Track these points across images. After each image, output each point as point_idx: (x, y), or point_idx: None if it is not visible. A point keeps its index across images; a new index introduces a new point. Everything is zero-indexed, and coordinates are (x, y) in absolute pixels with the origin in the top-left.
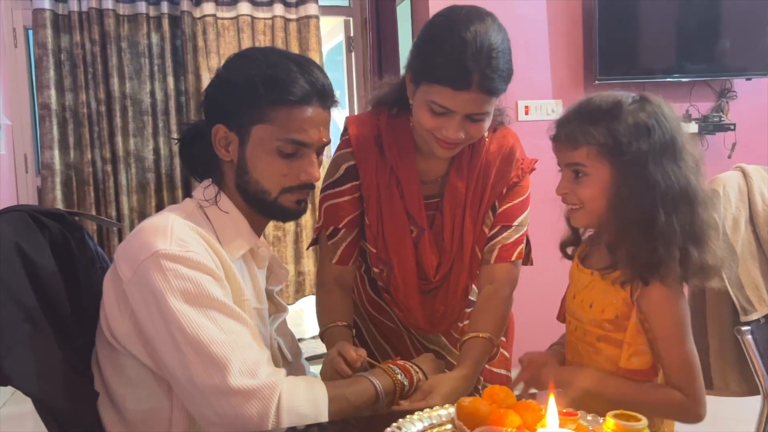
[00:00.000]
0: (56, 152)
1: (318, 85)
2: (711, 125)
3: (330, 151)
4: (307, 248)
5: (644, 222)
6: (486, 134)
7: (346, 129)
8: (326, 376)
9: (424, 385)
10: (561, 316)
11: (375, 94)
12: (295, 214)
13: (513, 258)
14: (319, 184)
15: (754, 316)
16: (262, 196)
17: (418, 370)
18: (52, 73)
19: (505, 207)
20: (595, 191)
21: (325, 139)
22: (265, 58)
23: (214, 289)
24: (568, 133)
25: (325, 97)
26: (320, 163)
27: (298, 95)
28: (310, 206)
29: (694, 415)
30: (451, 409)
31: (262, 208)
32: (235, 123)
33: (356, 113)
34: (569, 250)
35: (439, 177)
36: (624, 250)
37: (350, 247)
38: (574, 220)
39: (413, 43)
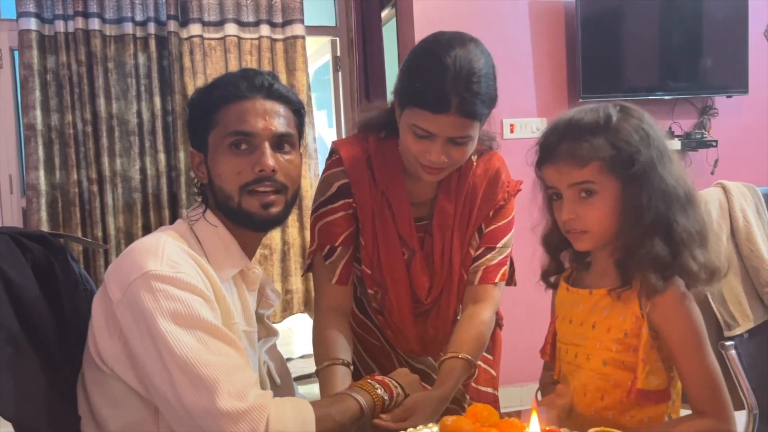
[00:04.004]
0: (42, 173)
1: (258, 83)
2: (694, 142)
3: (318, 170)
4: (302, 275)
5: (662, 231)
6: (474, 158)
7: (334, 151)
8: None
9: (407, 403)
10: (548, 352)
11: (363, 117)
12: (265, 221)
13: (496, 280)
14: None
15: (737, 331)
16: (228, 203)
17: (396, 384)
18: (37, 93)
19: (489, 229)
20: (605, 210)
21: (273, 128)
22: (218, 77)
23: (204, 311)
24: (571, 150)
25: (269, 92)
26: (295, 165)
27: (235, 92)
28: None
29: None
30: (435, 429)
31: (234, 218)
32: (197, 142)
33: (344, 132)
34: (552, 279)
35: (428, 199)
36: (645, 263)
37: (348, 265)
38: (580, 245)
39: (399, 68)
